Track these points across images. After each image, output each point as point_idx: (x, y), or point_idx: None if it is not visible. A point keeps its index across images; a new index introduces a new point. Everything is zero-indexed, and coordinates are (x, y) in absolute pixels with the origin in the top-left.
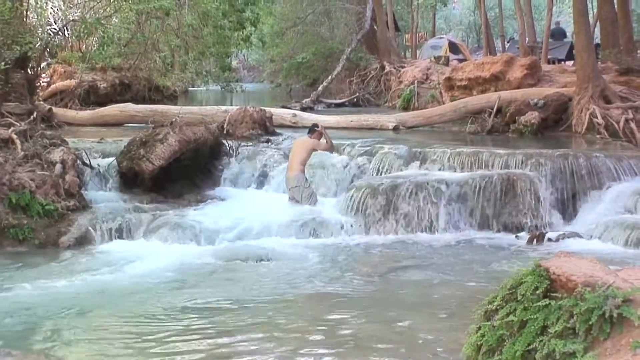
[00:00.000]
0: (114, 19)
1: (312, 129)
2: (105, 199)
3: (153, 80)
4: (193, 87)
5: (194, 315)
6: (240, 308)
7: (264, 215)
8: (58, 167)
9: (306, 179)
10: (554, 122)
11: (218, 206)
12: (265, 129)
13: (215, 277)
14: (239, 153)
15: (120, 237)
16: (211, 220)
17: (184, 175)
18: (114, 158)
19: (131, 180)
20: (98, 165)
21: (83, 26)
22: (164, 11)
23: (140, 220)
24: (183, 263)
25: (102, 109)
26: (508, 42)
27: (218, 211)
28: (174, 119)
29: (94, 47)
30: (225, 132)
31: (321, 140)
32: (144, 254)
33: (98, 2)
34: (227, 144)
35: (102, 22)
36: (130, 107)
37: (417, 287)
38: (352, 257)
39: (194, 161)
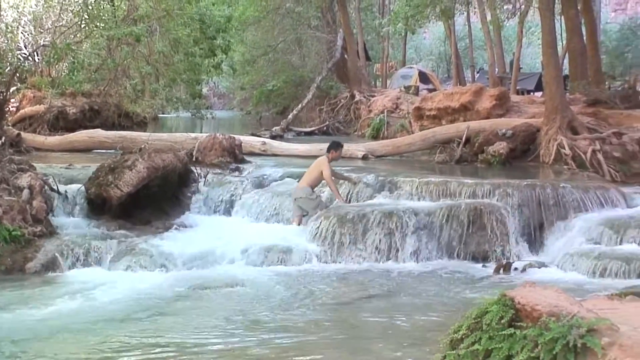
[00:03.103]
0: (85, 45)
1: (330, 147)
2: (73, 225)
3: (123, 106)
4: (163, 113)
5: (159, 345)
6: (206, 336)
7: (231, 243)
8: (25, 192)
9: (313, 191)
10: (522, 153)
11: (186, 233)
12: (235, 156)
13: (181, 305)
14: (207, 180)
15: (87, 263)
16: (179, 247)
17: (152, 202)
18: (82, 184)
19: (99, 206)
20: (66, 191)
21: (53, 51)
22: (134, 38)
23: (108, 247)
24: (150, 290)
25: (71, 134)
26: (478, 72)
27: (186, 238)
28: (143, 146)
29: (64, 72)
30: (194, 159)
31: (330, 163)
32: (111, 281)
33: (69, 28)
34: (196, 171)
35: (73, 47)
36: (99, 133)
37: (384, 315)
38: (320, 285)
39: (162, 188)
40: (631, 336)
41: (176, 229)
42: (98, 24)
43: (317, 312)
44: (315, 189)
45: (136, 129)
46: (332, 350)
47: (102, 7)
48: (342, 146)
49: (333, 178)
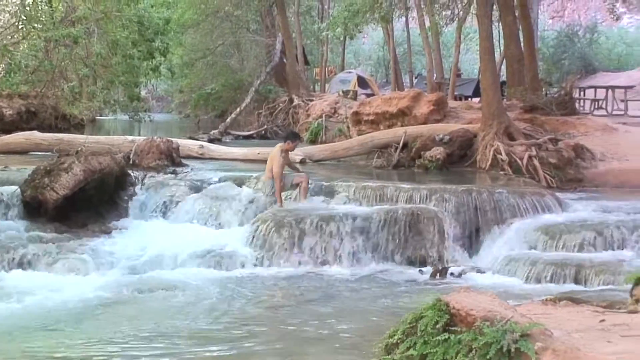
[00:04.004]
0: (22, 46)
1: (287, 137)
2: (7, 228)
3: (60, 108)
4: (101, 116)
5: (93, 350)
6: (140, 341)
7: (168, 246)
8: None
9: (271, 185)
10: (459, 158)
11: (123, 237)
12: (172, 159)
13: (119, 310)
14: (144, 184)
15: (22, 267)
16: (115, 251)
17: (88, 205)
18: (17, 187)
19: (35, 209)
20: (1, 193)
21: None
22: (72, 39)
23: (43, 251)
24: (84, 294)
25: (7, 136)
26: (416, 77)
27: (122, 242)
28: (80, 148)
29: (0, 73)
30: (131, 162)
31: (282, 154)
32: (46, 285)
33: (6, 29)
34: (133, 175)
35: (10, 48)
36: (36, 135)
37: (320, 320)
38: (256, 289)
39: (99, 191)
40: (564, 341)
41: (113, 232)
42: (36, 25)
43: (253, 317)
44: (285, 178)
45: (73, 132)
46: (267, 356)
47: (39, 8)
48: (299, 139)
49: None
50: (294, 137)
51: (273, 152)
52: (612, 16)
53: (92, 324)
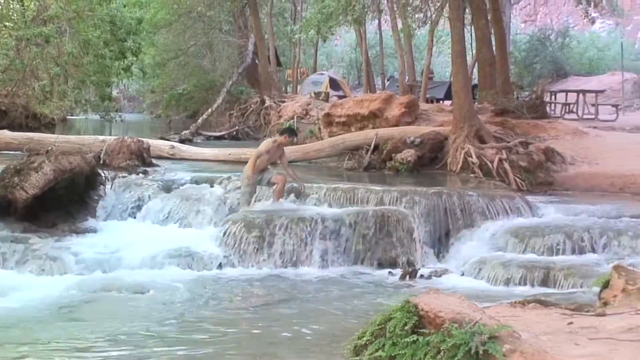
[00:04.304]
0: None
1: (284, 131)
2: None
3: (31, 107)
4: (72, 115)
5: (59, 350)
6: (107, 342)
7: (138, 247)
8: None
9: (248, 178)
10: (429, 160)
11: (93, 237)
12: (143, 160)
13: (87, 310)
14: (115, 184)
15: None
16: (85, 251)
17: (58, 205)
18: None
19: (4, 208)
20: None
21: None
22: (44, 38)
23: (12, 250)
24: (55, 295)
25: None
26: (388, 80)
27: (93, 242)
28: (50, 148)
29: None
30: (102, 162)
31: (273, 148)
32: (15, 285)
33: None
34: (103, 174)
35: None
36: (6, 134)
37: (289, 321)
38: (226, 290)
39: (69, 191)
40: (532, 343)
41: (83, 232)
42: (7, 23)
43: (222, 318)
44: (264, 173)
45: (44, 131)
46: (236, 357)
47: (11, 6)
48: (295, 135)
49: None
50: (290, 132)
51: (263, 142)
52: (587, 20)
53: (59, 324)
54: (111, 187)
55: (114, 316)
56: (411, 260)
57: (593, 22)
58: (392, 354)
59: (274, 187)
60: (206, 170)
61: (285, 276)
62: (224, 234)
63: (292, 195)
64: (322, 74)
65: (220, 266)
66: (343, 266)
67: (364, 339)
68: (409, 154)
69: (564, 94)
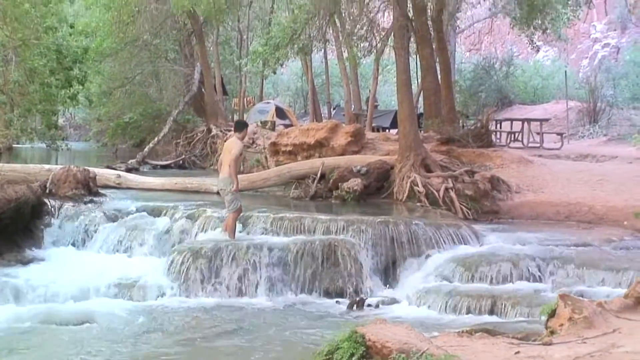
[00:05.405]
0: None
1: (239, 127)
2: None
3: None
4: (18, 144)
5: None
6: None
7: (83, 276)
8: None
9: (232, 181)
10: (376, 189)
11: (39, 266)
12: (89, 189)
13: (31, 341)
14: (61, 213)
15: None
16: (30, 280)
17: (3, 234)
18: None
19: None
20: None
21: None
22: None
23: None
24: None
25: None
26: (334, 108)
27: (38, 271)
28: None
29: None
30: (48, 191)
31: (235, 148)
32: None
33: None
34: (49, 204)
35: None
36: None
37: (235, 352)
38: (171, 321)
39: (14, 220)
40: None
41: (28, 261)
42: None
43: (168, 348)
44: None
45: None
46: None
47: None
48: (247, 125)
49: None
50: (242, 126)
51: (229, 142)
52: (532, 48)
53: (10, 353)
54: (57, 216)
55: (57, 347)
56: (358, 290)
57: (538, 50)
58: None
59: (226, 219)
60: (152, 199)
61: (232, 306)
62: (170, 263)
63: (238, 226)
64: (268, 102)
65: (166, 296)
66: (290, 295)
67: None
68: (355, 183)
69: (509, 122)
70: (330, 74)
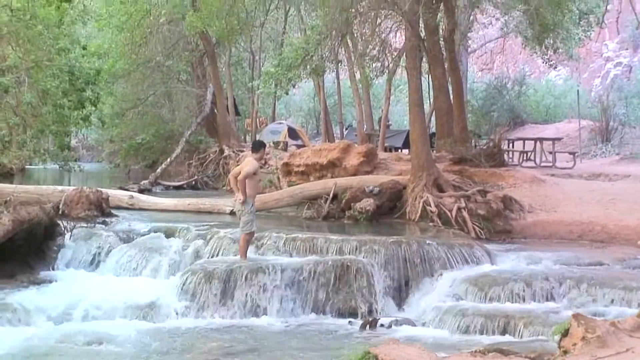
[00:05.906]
0: None
1: (255, 147)
2: None
3: None
4: (30, 165)
5: None
6: None
7: (97, 298)
8: None
9: (249, 203)
10: (388, 209)
11: (51, 288)
12: (102, 210)
13: None
14: (74, 234)
15: None
16: (44, 302)
17: (17, 255)
18: None
19: None
20: None
21: None
22: (2, 88)
23: None
24: (13, 347)
25: None
26: (346, 129)
27: (51, 293)
28: (8, 198)
29: None
30: (60, 212)
31: (258, 170)
32: None
33: None
34: (62, 225)
35: None
36: None
37: None
38: (185, 341)
39: (27, 241)
40: None
41: (41, 283)
42: None
43: None
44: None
45: (3, 181)
46: None
47: None
48: (264, 146)
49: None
50: (259, 146)
51: (245, 161)
52: (550, 65)
53: None
54: (70, 237)
55: None
56: (371, 310)
57: (555, 67)
58: None
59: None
60: (165, 220)
61: (245, 326)
62: (184, 284)
63: (251, 247)
64: (280, 123)
65: (180, 317)
66: (303, 316)
67: None
68: (367, 203)
69: (521, 141)
70: (343, 94)
